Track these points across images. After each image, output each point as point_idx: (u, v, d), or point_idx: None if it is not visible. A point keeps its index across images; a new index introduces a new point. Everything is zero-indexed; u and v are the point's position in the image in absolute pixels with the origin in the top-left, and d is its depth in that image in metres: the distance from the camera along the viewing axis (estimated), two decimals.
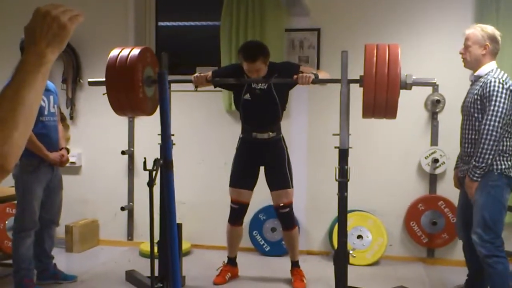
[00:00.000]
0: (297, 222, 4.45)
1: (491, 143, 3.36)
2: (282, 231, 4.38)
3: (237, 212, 4.26)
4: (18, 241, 3.91)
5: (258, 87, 4.10)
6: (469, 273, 3.85)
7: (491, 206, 3.46)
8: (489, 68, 3.51)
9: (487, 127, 3.36)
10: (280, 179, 4.19)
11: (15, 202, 4.09)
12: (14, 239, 3.95)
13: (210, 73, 4.07)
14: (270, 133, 4.17)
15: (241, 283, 4.27)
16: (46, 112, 3.98)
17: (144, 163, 3.20)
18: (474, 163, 3.43)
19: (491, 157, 3.38)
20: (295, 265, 4.35)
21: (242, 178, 4.24)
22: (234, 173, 4.27)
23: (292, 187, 4.22)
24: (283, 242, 4.70)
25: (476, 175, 3.44)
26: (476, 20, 4.46)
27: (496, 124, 3.34)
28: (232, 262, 4.43)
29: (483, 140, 3.37)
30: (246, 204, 4.27)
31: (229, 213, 4.29)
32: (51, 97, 4.07)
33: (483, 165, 3.40)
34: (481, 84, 3.47)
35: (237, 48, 4.38)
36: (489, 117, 3.36)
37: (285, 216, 4.24)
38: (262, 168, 4.27)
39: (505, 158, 3.47)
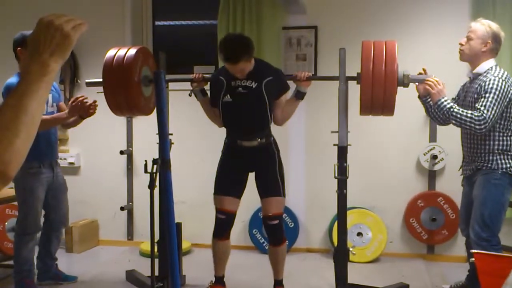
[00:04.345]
0: (286, 235, 3.88)
1: (471, 123, 3.31)
2: (269, 246, 3.85)
3: (224, 223, 3.76)
4: (21, 244, 3.89)
5: (242, 85, 3.57)
6: (470, 268, 3.85)
7: (491, 205, 3.44)
8: (489, 66, 3.47)
9: (481, 112, 3.29)
10: (270, 185, 3.71)
11: (15, 203, 4.08)
12: (17, 242, 3.92)
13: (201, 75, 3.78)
14: (259, 139, 3.68)
15: (241, 282, 4.26)
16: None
17: (145, 165, 3.21)
18: (452, 104, 3.44)
19: (458, 120, 3.36)
20: (278, 284, 3.85)
21: (228, 185, 3.76)
22: (219, 179, 3.79)
23: (284, 196, 3.73)
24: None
25: (437, 99, 3.46)
26: (473, 16, 4.45)
27: (491, 113, 3.29)
28: (220, 281, 3.89)
29: (468, 115, 3.32)
30: (234, 213, 3.77)
31: (214, 225, 3.80)
32: (50, 96, 4.02)
33: (446, 110, 3.40)
34: (480, 82, 3.44)
35: None
36: (487, 104, 3.29)
37: (273, 229, 3.73)
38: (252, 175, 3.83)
39: (509, 157, 3.43)
